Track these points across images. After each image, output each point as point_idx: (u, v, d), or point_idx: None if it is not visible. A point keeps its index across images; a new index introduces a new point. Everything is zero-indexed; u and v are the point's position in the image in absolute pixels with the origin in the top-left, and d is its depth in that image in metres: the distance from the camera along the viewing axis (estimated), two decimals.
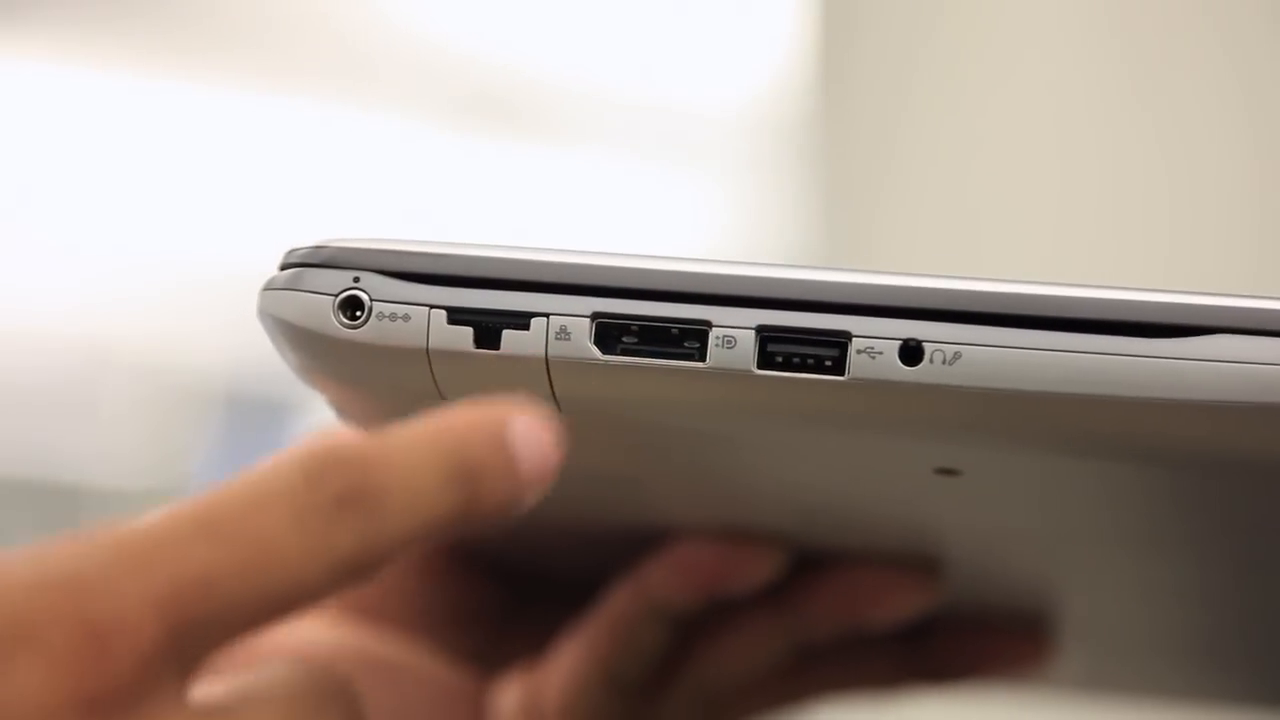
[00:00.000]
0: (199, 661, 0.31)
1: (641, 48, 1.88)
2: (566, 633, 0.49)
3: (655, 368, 0.37)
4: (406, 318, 0.38)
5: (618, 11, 1.88)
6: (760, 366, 0.37)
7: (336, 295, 0.38)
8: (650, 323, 0.37)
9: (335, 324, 0.38)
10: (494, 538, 0.51)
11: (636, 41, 1.88)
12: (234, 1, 1.91)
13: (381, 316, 0.38)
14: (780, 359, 0.37)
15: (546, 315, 0.37)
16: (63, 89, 1.90)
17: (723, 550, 0.47)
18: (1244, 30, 1.02)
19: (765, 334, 0.37)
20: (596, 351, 0.37)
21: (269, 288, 0.39)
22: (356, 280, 0.38)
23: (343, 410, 0.42)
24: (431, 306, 0.38)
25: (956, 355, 0.36)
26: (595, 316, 0.37)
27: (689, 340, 0.37)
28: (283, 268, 0.39)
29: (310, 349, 0.38)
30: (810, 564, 0.48)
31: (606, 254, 0.38)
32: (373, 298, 0.38)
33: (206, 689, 0.32)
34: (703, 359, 0.37)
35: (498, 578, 0.52)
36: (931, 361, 0.36)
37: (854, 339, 0.37)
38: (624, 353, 0.37)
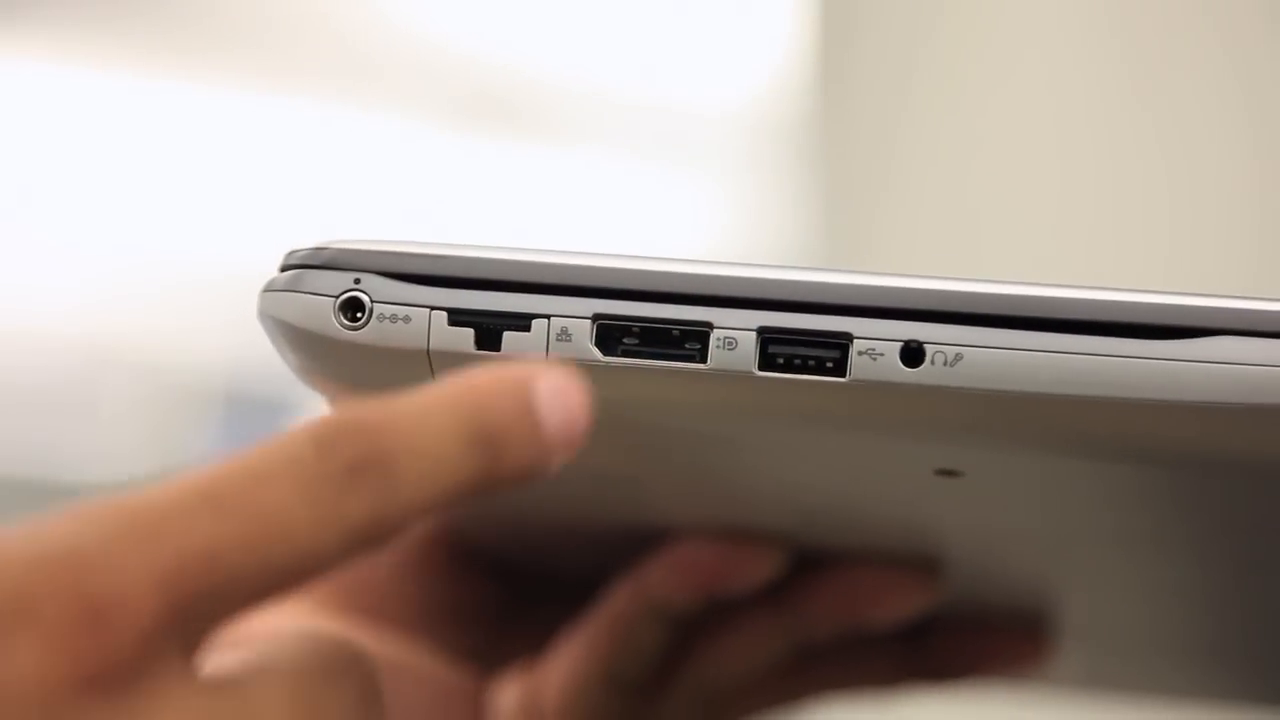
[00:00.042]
0: (205, 635, 0.30)
1: (641, 48, 1.88)
2: (566, 632, 0.49)
3: (656, 369, 0.37)
4: (407, 319, 0.38)
5: (618, 11, 1.88)
6: (761, 368, 0.37)
7: (337, 297, 0.38)
8: (651, 324, 0.37)
9: (336, 325, 0.38)
10: (494, 537, 0.51)
11: (636, 41, 1.88)
12: (234, 1, 1.91)
13: (382, 318, 0.38)
14: (781, 360, 0.37)
15: (547, 317, 0.37)
16: (63, 89, 1.89)
17: (723, 550, 0.47)
18: (1244, 30, 1.02)
19: (766, 335, 0.37)
20: (597, 353, 0.37)
21: (269, 289, 0.38)
22: (357, 282, 0.38)
23: None
24: (432, 308, 0.38)
25: (958, 357, 0.36)
26: (596, 318, 0.37)
27: (690, 342, 0.37)
28: (283, 269, 0.39)
29: (311, 350, 0.38)
30: (810, 564, 0.48)
31: (607, 255, 0.38)
32: (373, 299, 0.38)
33: (217, 660, 0.31)
34: (704, 360, 0.37)
35: (497, 576, 0.52)
36: (933, 363, 0.36)
37: (855, 340, 0.37)
38: (625, 354, 0.37)
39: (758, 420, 0.38)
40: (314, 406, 0.40)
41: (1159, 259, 1.02)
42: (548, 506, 0.47)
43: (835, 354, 0.37)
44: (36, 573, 0.29)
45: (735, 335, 0.37)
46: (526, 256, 0.38)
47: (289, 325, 0.38)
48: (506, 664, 0.51)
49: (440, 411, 0.32)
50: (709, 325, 0.37)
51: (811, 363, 0.37)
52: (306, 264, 0.38)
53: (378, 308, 0.38)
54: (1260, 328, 0.36)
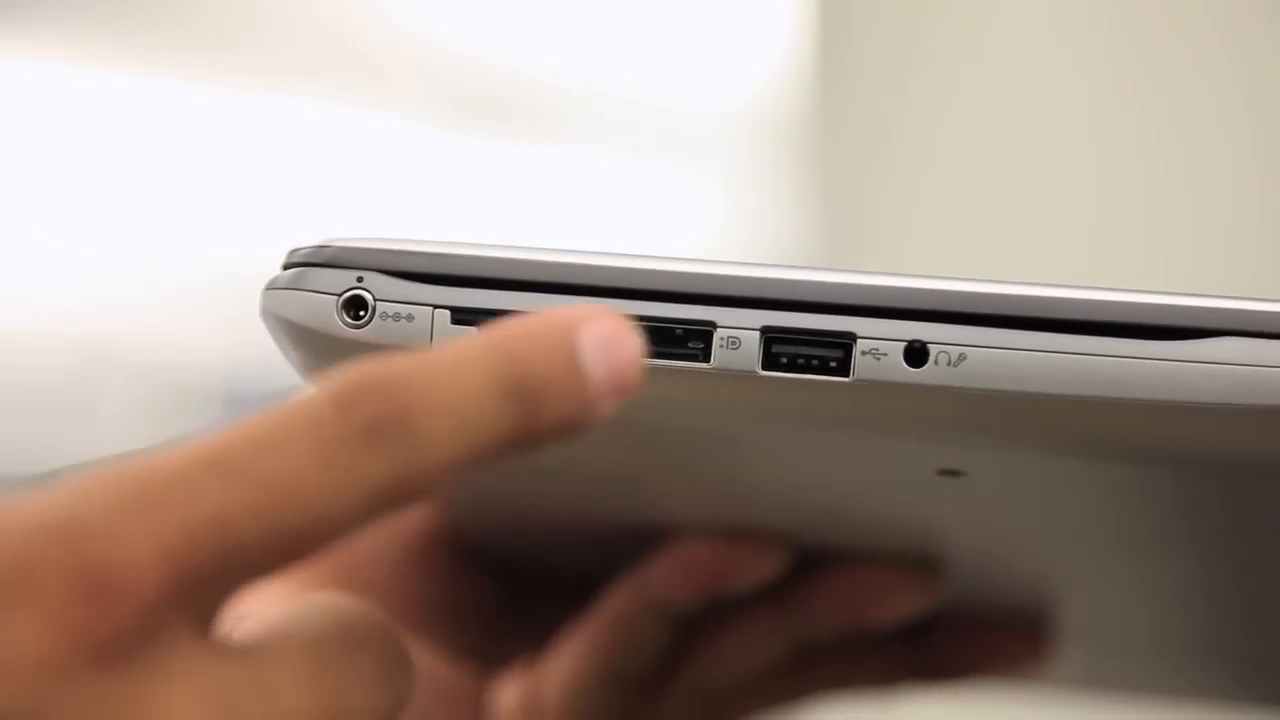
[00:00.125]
0: (218, 604, 0.30)
1: (641, 47, 1.88)
2: (567, 630, 0.49)
3: (659, 368, 0.37)
4: (410, 317, 0.38)
5: (617, 11, 1.88)
6: (765, 367, 0.37)
7: (340, 295, 0.38)
8: (654, 323, 0.37)
9: (339, 323, 0.38)
10: (494, 535, 0.51)
11: (636, 41, 1.88)
12: (234, 1, 1.91)
13: (385, 316, 0.38)
14: (785, 360, 0.37)
15: None
16: (63, 89, 1.89)
17: (724, 549, 0.47)
18: (1244, 30, 1.02)
19: (770, 335, 0.37)
20: None
21: (272, 287, 0.38)
22: (360, 280, 0.38)
23: None
24: (435, 306, 0.38)
25: (962, 357, 0.36)
26: None
27: (693, 341, 0.37)
28: (286, 267, 0.39)
29: (313, 348, 0.38)
30: (812, 563, 0.48)
31: (610, 254, 0.38)
32: (376, 297, 0.38)
33: (235, 625, 0.31)
34: (707, 360, 0.37)
35: (498, 574, 0.52)
36: (936, 363, 0.36)
37: (859, 340, 0.37)
38: None
39: (760, 420, 0.38)
40: None
41: (1159, 259, 1.02)
42: (549, 504, 0.47)
43: (839, 354, 0.37)
44: (35, 542, 0.28)
45: (739, 335, 0.37)
46: (529, 255, 0.38)
47: (292, 323, 0.38)
48: (507, 662, 0.51)
49: (473, 363, 0.31)
50: (712, 324, 0.37)
51: (815, 362, 0.37)
52: (309, 262, 0.38)
53: (380, 306, 0.38)
54: (1260, 328, 0.36)
